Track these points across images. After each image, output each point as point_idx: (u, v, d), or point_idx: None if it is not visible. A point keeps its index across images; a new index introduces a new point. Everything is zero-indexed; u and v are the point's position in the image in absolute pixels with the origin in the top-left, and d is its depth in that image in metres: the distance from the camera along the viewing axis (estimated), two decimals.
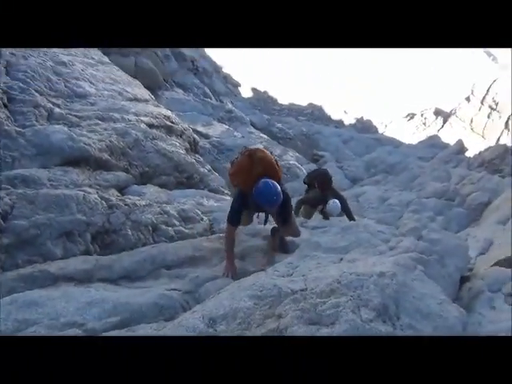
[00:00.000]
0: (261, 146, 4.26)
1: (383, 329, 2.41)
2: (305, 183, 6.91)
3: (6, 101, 4.98)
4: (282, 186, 3.91)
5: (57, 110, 5.47)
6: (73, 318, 2.74)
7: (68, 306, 2.83)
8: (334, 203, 5.86)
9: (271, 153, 4.16)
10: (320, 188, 5.95)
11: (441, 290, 3.08)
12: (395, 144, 24.71)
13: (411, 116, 37.67)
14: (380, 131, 34.52)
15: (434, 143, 24.16)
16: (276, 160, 4.14)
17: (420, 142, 25.76)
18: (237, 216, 3.88)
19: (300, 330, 2.27)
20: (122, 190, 5.11)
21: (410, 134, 34.12)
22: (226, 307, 2.48)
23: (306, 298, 2.56)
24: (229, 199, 6.84)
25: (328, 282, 2.72)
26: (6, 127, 4.47)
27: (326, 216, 6.00)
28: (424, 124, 35.91)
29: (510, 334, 3.31)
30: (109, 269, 3.51)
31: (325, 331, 2.28)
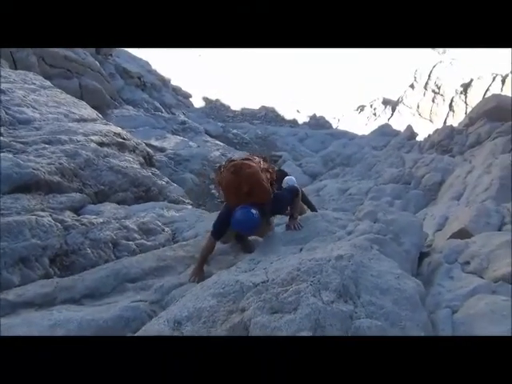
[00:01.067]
0: (244, 154, 4.20)
1: (345, 308, 2.49)
2: None
3: None
4: (274, 188, 3.99)
5: (0, 138, 5.33)
6: None
7: (30, 331, 2.77)
8: (288, 178, 5.35)
9: (262, 158, 4.16)
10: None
11: (397, 266, 3.20)
12: (349, 137, 25.30)
13: (361, 108, 38.70)
14: (333, 126, 35.25)
15: (385, 132, 24.85)
16: (264, 167, 4.02)
17: (372, 132, 26.44)
18: (220, 228, 3.88)
19: (263, 320, 2.32)
20: (77, 210, 5.03)
21: (363, 126, 35.02)
22: (190, 308, 2.50)
23: (267, 289, 2.61)
24: (190, 208, 6.84)
25: (288, 270, 2.79)
26: None
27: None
28: (374, 114, 36.97)
29: (466, 300, 3.48)
30: (71, 289, 3.45)
31: (288, 318, 2.34)
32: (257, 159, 4.04)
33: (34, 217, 4.02)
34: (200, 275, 3.72)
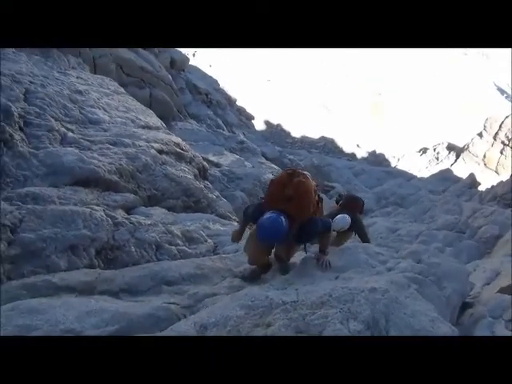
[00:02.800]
0: (308, 174, 3.80)
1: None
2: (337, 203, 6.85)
3: (22, 124, 5.24)
4: (312, 220, 3.64)
5: (70, 134, 5.73)
6: (71, 325, 2.83)
7: (67, 314, 2.93)
8: (341, 216, 5.36)
9: (316, 186, 3.87)
10: (344, 206, 5.78)
11: (434, 309, 3.09)
12: (407, 177, 24.77)
13: (424, 150, 37.69)
14: (392, 165, 34.60)
15: (445, 177, 24.13)
16: (318, 195, 3.93)
17: (432, 176, 25.74)
18: (253, 210, 3.76)
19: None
20: (129, 210, 5.27)
21: (423, 169, 34.09)
22: (218, 315, 2.55)
23: (296, 308, 2.62)
24: (235, 224, 6.95)
25: (319, 294, 2.78)
26: (20, 148, 4.71)
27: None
28: (437, 159, 35.85)
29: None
30: (110, 282, 3.61)
31: None
32: (314, 182, 3.87)
33: (88, 209, 4.28)
34: (236, 235, 4.00)
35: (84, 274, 3.62)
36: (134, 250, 4.33)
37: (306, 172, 3.85)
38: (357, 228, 5.70)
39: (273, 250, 3.98)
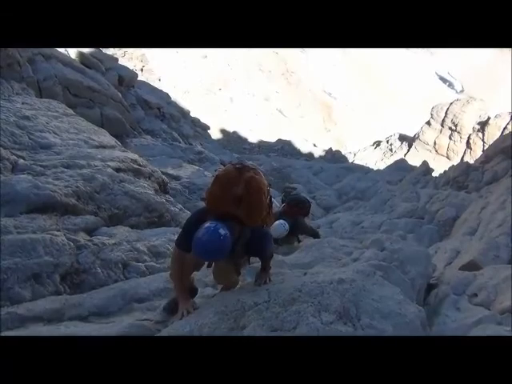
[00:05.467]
0: (260, 170, 3.15)
1: (343, 329, 2.52)
2: (282, 202, 6.89)
3: None
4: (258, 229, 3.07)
5: (21, 161, 5.56)
6: None
7: None
8: (279, 222, 5.25)
9: (269, 185, 3.22)
10: (285, 211, 5.87)
11: (400, 292, 3.21)
12: (364, 171, 25.43)
13: (377, 143, 38.85)
14: (349, 161, 35.42)
15: (400, 167, 24.92)
16: (270, 198, 3.30)
17: (388, 167, 26.51)
18: (184, 235, 2.95)
19: None
20: (91, 232, 5.16)
21: (379, 161, 35.11)
22: (192, 324, 2.56)
23: (268, 307, 2.67)
24: None
25: (290, 291, 2.84)
26: None
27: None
28: (390, 150, 37.03)
29: (470, 330, 3.46)
30: (79, 306, 3.53)
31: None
32: (266, 182, 3.21)
33: (48, 235, 4.17)
34: (189, 306, 3.00)
35: (50, 301, 3.53)
36: (100, 271, 4.25)
37: (257, 167, 3.20)
38: (301, 231, 5.78)
39: None
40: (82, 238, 4.64)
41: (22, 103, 7.84)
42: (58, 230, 4.50)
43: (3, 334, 2.49)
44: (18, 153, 5.79)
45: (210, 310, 2.72)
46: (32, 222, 4.45)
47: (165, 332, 2.60)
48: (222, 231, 2.57)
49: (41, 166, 5.67)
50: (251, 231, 2.95)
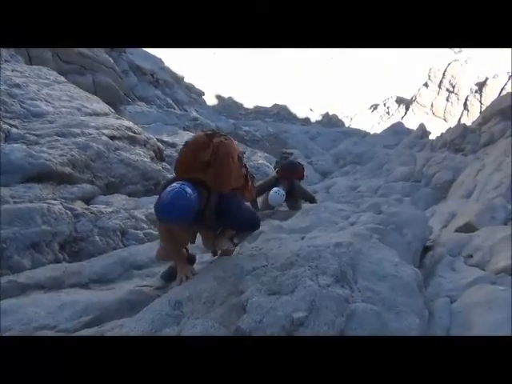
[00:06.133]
0: (231, 138, 3.03)
1: (341, 292, 2.56)
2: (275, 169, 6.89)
3: None
4: (231, 199, 2.91)
5: (14, 130, 5.49)
6: (44, 321, 2.80)
7: (39, 310, 2.89)
8: (273, 192, 5.29)
9: (242, 153, 3.14)
10: (280, 176, 5.83)
11: (396, 254, 3.25)
12: (361, 135, 25.30)
13: (374, 107, 38.50)
14: (346, 125, 35.18)
15: (397, 130, 24.79)
16: (246, 168, 3.20)
17: (384, 131, 26.36)
18: (162, 188, 2.80)
19: (260, 300, 2.40)
20: (88, 201, 5.16)
21: (376, 124, 34.88)
22: (191, 289, 2.59)
23: (266, 272, 2.69)
24: None
25: (287, 256, 2.86)
26: None
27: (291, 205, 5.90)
28: (388, 113, 36.75)
29: (465, 290, 3.52)
30: (79, 274, 3.56)
31: (284, 299, 2.41)
32: (240, 149, 3.13)
33: (45, 204, 4.16)
34: (187, 270, 3.00)
35: (50, 269, 3.56)
36: (98, 239, 4.28)
37: (229, 136, 3.07)
38: (298, 194, 5.76)
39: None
40: (79, 206, 4.64)
41: (12, 70, 7.67)
42: (55, 199, 4.50)
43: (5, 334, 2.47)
44: (11, 121, 5.71)
45: (208, 276, 2.75)
46: (28, 192, 4.43)
47: (164, 298, 2.62)
48: (189, 190, 2.51)
49: (34, 134, 5.61)
50: (219, 197, 2.80)
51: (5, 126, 5.42)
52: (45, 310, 2.92)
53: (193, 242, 3.21)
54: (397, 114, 35.80)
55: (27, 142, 5.32)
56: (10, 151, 4.76)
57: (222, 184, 2.81)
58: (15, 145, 5.00)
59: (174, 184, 2.55)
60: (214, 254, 3.30)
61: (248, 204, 3.16)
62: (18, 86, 6.84)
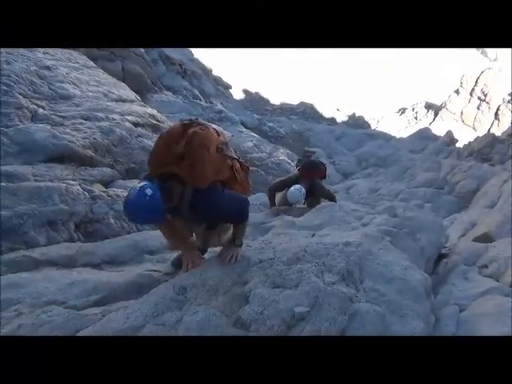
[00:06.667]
0: (212, 126, 2.89)
1: (345, 290, 2.55)
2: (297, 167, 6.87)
3: None
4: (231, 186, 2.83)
5: (40, 110, 5.62)
6: (54, 296, 2.87)
7: (50, 286, 2.96)
8: (294, 189, 5.27)
9: (225, 144, 2.85)
10: (302, 174, 5.83)
11: (407, 258, 3.21)
12: (387, 138, 24.96)
13: (402, 111, 37.94)
14: (372, 127, 34.77)
15: (424, 136, 24.39)
16: (237, 159, 2.96)
17: (411, 136, 25.97)
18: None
19: (263, 292, 2.41)
20: (107, 185, 5.25)
21: (402, 129, 34.37)
22: (197, 276, 2.61)
23: (272, 265, 2.70)
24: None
25: (295, 251, 2.87)
26: None
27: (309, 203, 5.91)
28: (415, 118, 36.16)
29: (475, 300, 3.46)
30: (91, 254, 3.64)
31: (287, 292, 2.42)
32: (222, 138, 2.88)
33: (64, 184, 4.26)
34: (193, 256, 2.92)
35: (65, 247, 3.64)
36: (113, 222, 4.35)
37: (210, 124, 2.92)
38: (319, 193, 5.73)
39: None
40: (97, 189, 4.73)
41: (43, 53, 7.81)
42: (74, 180, 4.59)
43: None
44: (38, 102, 5.84)
45: (214, 265, 2.77)
46: (49, 171, 4.54)
47: (169, 283, 2.66)
48: (149, 191, 2.34)
49: (60, 116, 5.72)
50: (194, 191, 2.59)
51: (32, 107, 5.55)
52: (55, 286, 2.99)
53: (191, 235, 3.12)
54: (425, 120, 35.19)
55: (52, 123, 5.44)
56: (35, 131, 4.87)
57: (197, 178, 2.57)
58: (40, 125, 5.12)
59: (136, 185, 2.42)
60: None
61: (234, 193, 2.85)
62: (47, 68, 6.99)
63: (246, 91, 35.99)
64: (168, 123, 8.09)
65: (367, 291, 2.68)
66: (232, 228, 2.97)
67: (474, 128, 32.41)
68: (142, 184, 2.39)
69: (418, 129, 30.22)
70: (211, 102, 19.03)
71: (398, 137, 27.57)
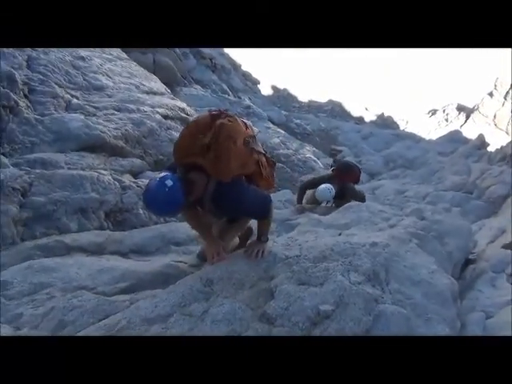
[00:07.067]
0: (240, 119, 2.78)
1: (371, 291, 2.54)
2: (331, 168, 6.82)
3: (26, 92, 5.28)
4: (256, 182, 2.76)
5: (75, 100, 5.75)
6: (84, 282, 2.96)
7: (80, 272, 3.06)
8: (324, 187, 5.26)
9: (252, 137, 2.81)
10: (335, 175, 5.77)
11: (434, 262, 3.18)
12: (415, 139, 24.52)
13: (433, 112, 37.14)
14: (401, 128, 34.21)
15: (454, 138, 23.83)
16: (264, 154, 2.91)
17: (440, 138, 25.42)
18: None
19: (289, 288, 2.43)
20: (136, 175, 5.35)
21: (432, 130, 33.68)
22: (223, 269, 2.65)
23: (298, 262, 2.71)
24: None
25: (321, 249, 2.87)
26: (26, 115, 4.76)
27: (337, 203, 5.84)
28: (446, 120, 35.35)
29: (503, 308, 3.39)
30: (120, 243, 3.73)
31: (313, 290, 2.43)
32: (250, 132, 2.82)
33: (95, 173, 4.36)
34: (217, 247, 2.85)
35: (95, 235, 3.75)
36: (142, 212, 4.44)
37: (237, 116, 2.82)
38: (350, 197, 5.63)
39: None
40: (127, 179, 4.83)
41: None
42: (105, 170, 4.70)
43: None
44: (72, 92, 5.97)
45: (241, 259, 2.80)
46: (81, 160, 4.66)
47: (196, 275, 2.70)
48: (169, 182, 2.29)
49: (93, 106, 5.85)
50: (217, 184, 2.52)
51: (67, 96, 5.68)
52: (86, 272, 3.08)
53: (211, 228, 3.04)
54: (456, 122, 34.36)
55: (85, 113, 5.57)
56: (69, 120, 5.00)
57: (221, 170, 2.50)
58: (74, 114, 5.25)
59: (156, 176, 2.39)
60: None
61: (258, 190, 2.79)
62: (82, 58, 7.14)
63: (274, 87, 35.88)
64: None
65: (393, 293, 2.66)
66: (245, 225, 3.01)
67: (507, 132, 31.50)
68: (162, 174, 2.35)
69: (448, 131, 29.57)
70: (239, 97, 19.08)
71: (427, 138, 27.07)
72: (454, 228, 4.31)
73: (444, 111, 36.63)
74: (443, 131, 31.62)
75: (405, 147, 20.50)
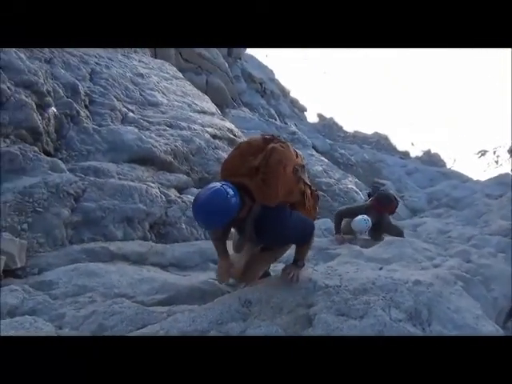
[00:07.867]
0: (291, 146, 2.72)
1: (412, 330, 2.46)
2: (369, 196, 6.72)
3: (87, 102, 5.57)
4: (281, 210, 2.54)
5: (130, 114, 6.01)
6: (125, 290, 3.03)
7: (122, 279, 3.14)
8: (361, 217, 5.13)
9: (302, 166, 2.73)
10: (372, 205, 5.69)
11: (479, 307, 3.05)
12: (462, 179, 23.80)
13: (483, 153, 36.11)
14: (448, 166, 33.38)
15: (503, 181, 22.88)
16: (309, 185, 2.85)
17: (489, 180, 24.55)
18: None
19: (328, 318, 2.39)
20: (181, 190, 5.48)
21: (481, 172, 32.68)
22: (262, 292, 2.65)
23: (338, 292, 2.67)
24: None
25: (363, 281, 2.82)
26: (85, 124, 5.01)
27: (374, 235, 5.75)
28: (496, 162, 34.25)
29: None
30: (161, 255, 3.81)
31: (352, 322, 2.39)
32: (299, 160, 2.76)
33: (144, 185, 4.51)
34: (227, 268, 2.77)
35: (138, 245, 3.85)
36: (184, 227, 4.53)
37: (290, 143, 2.76)
38: (385, 230, 5.53)
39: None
40: (173, 193, 4.95)
41: (139, 61, 8.38)
42: (153, 183, 4.84)
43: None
44: (129, 106, 6.26)
45: (280, 283, 2.79)
46: (132, 171, 4.83)
47: (235, 295, 2.71)
48: (230, 191, 2.20)
49: (147, 121, 6.09)
50: (261, 208, 2.42)
51: (124, 110, 5.95)
52: (127, 280, 3.16)
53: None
54: (506, 165, 33.23)
55: (139, 126, 5.80)
56: (124, 132, 5.22)
57: (268, 194, 2.40)
58: (129, 127, 5.48)
59: (215, 183, 2.27)
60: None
61: (301, 215, 2.71)
62: (141, 75, 7.49)
63: (320, 115, 35.99)
64: (244, 138, 8.32)
65: (434, 334, 2.57)
66: (279, 255, 3.03)
67: None
68: (221, 182, 2.26)
69: (497, 173, 28.60)
70: (285, 123, 19.27)
71: (474, 179, 26.25)
72: (501, 274, 4.15)
73: (494, 153, 35.53)
74: (492, 173, 30.60)
75: (451, 186, 19.92)
